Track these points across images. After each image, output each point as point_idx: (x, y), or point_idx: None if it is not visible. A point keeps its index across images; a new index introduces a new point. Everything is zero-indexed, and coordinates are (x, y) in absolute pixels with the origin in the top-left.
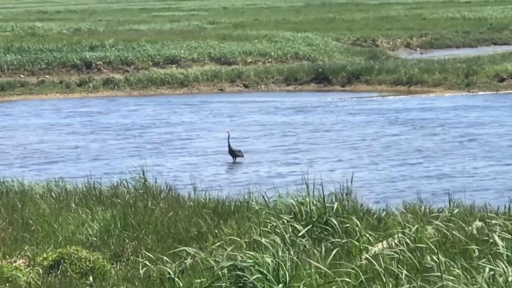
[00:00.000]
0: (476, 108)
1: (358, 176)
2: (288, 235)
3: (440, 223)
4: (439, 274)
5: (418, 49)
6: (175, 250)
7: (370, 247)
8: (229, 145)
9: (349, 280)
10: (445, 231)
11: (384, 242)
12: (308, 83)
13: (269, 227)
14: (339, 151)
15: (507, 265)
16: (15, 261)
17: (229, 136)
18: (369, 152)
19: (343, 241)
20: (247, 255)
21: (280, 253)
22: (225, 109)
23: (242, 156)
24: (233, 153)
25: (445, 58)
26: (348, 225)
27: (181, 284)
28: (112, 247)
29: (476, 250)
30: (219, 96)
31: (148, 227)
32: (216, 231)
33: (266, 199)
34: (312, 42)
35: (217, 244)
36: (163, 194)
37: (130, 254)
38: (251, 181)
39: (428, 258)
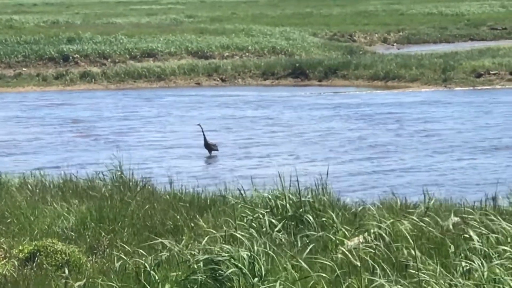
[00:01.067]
0: (450, 104)
1: (332, 170)
2: (264, 229)
3: (415, 218)
4: (415, 268)
5: (395, 44)
6: (151, 243)
7: (346, 241)
8: (204, 139)
9: (325, 274)
10: (421, 226)
11: (360, 236)
12: (285, 77)
13: (245, 221)
14: (311, 145)
15: (482, 260)
16: None
17: (203, 129)
18: (339, 146)
19: (319, 234)
20: (223, 248)
21: (255, 247)
22: (200, 102)
23: (217, 150)
24: (209, 146)
25: (422, 53)
26: (324, 219)
27: (156, 277)
28: (88, 240)
29: (452, 245)
30: (194, 90)
31: (124, 220)
32: (192, 224)
33: (242, 193)
34: (289, 37)
35: (193, 238)
36: (139, 187)
37: (106, 247)
38: (227, 174)
39: (405, 253)
